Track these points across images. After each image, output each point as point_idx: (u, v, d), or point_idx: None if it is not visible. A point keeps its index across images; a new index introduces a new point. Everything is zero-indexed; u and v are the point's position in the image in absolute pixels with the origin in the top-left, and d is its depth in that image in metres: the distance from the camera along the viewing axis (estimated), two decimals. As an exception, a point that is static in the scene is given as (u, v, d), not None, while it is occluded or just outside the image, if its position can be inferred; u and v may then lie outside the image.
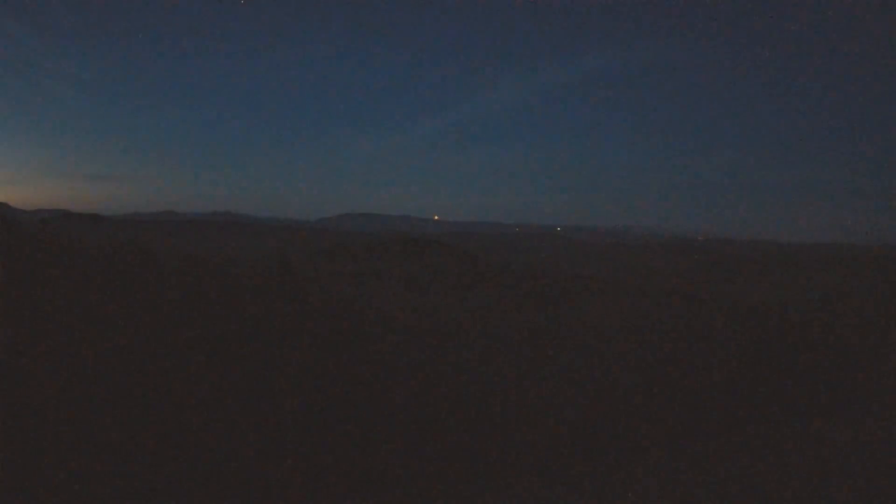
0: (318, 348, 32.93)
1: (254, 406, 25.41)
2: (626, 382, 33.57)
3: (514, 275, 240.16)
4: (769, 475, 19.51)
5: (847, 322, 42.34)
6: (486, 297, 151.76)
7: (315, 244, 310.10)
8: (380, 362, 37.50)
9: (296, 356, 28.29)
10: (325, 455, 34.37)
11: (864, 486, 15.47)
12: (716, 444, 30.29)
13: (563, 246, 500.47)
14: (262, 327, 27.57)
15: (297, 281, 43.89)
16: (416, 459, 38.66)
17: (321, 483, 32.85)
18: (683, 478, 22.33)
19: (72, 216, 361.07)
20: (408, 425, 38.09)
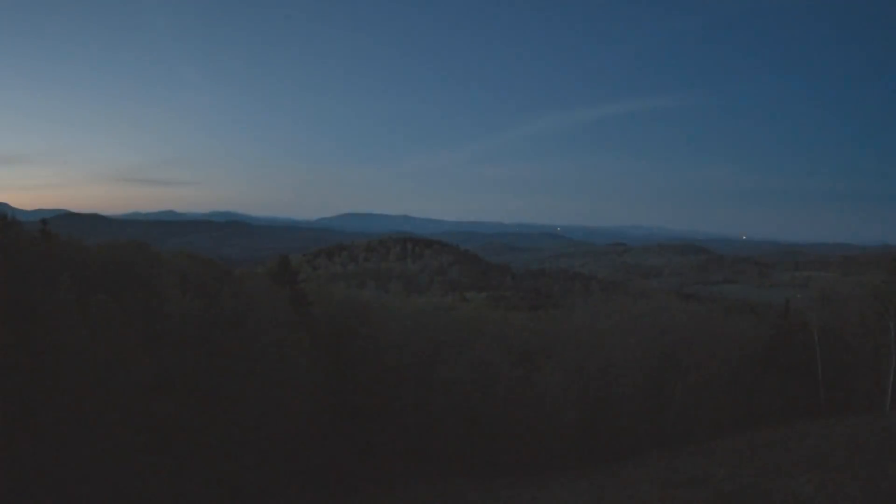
0: (319, 348, 32.89)
1: (255, 406, 25.39)
2: (625, 382, 33.55)
3: (515, 275, 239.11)
4: (769, 474, 19.51)
5: (847, 322, 42.19)
6: (487, 297, 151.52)
7: (315, 244, 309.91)
8: (381, 362, 37.46)
9: (298, 357, 28.24)
10: (327, 455, 34.35)
11: (862, 481, 15.47)
12: (716, 444, 30.26)
13: (563, 246, 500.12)
14: (264, 328, 27.54)
15: (297, 281, 43.80)
16: (416, 459, 38.61)
17: (323, 483, 32.83)
18: (682, 478, 22.34)
19: (72, 216, 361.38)
20: (408, 425, 38.06)
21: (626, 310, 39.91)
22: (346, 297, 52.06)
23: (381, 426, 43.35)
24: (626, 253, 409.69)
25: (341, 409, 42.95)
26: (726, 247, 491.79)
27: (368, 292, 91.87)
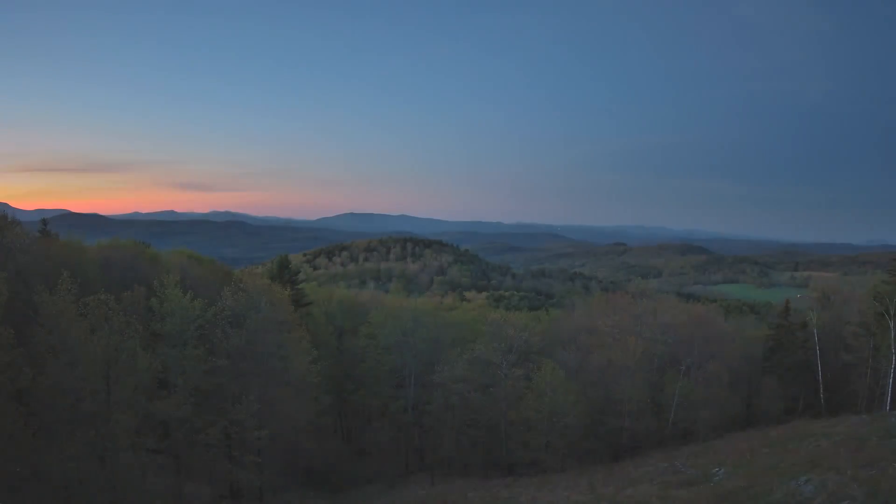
0: (319, 348, 32.84)
1: (255, 406, 25.36)
2: (625, 382, 33.45)
3: (515, 275, 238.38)
4: (769, 474, 19.50)
5: (847, 322, 42.18)
6: (487, 297, 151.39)
7: (315, 244, 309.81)
8: (381, 362, 37.42)
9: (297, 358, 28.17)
10: (326, 454, 34.33)
11: (862, 481, 15.49)
12: (716, 444, 30.25)
13: (563, 246, 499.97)
14: (264, 328, 27.49)
15: (297, 281, 43.78)
16: (417, 459, 38.60)
17: (323, 482, 32.81)
18: (682, 478, 22.33)
19: (73, 216, 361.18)
20: (409, 425, 38.07)
21: (626, 310, 39.85)
22: (345, 297, 52.08)
23: (381, 426, 43.30)
24: (626, 253, 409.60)
25: (341, 409, 42.99)
26: (726, 247, 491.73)
27: (368, 292, 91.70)
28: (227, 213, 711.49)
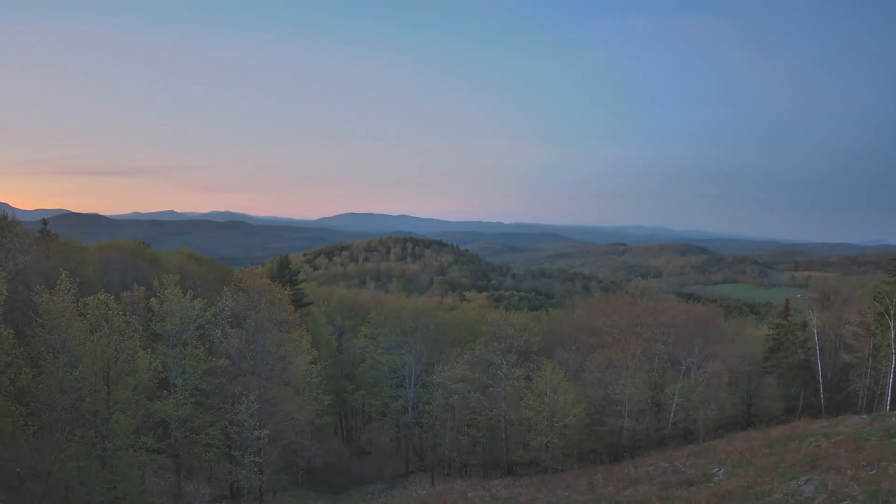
0: (319, 348, 32.84)
1: (255, 406, 25.35)
2: (625, 382, 33.39)
3: (515, 275, 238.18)
4: (769, 474, 19.49)
5: (847, 322, 42.23)
6: (487, 297, 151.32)
7: (315, 244, 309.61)
8: (379, 362, 37.41)
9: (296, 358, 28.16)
10: (327, 454, 34.34)
11: (862, 481, 15.48)
12: (716, 444, 30.23)
13: (563, 246, 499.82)
14: (264, 328, 27.50)
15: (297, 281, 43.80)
16: (417, 459, 38.61)
17: (323, 482, 32.81)
18: (682, 478, 22.31)
19: (73, 216, 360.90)
20: (409, 425, 38.04)
21: (625, 310, 39.82)
22: (345, 297, 52.10)
23: (381, 426, 43.34)
24: (626, 253, 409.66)
25: (341, 409, 42.98)
26: (726, 247, 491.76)
27: (368, 292, 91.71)
28: (227, 213, 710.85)
